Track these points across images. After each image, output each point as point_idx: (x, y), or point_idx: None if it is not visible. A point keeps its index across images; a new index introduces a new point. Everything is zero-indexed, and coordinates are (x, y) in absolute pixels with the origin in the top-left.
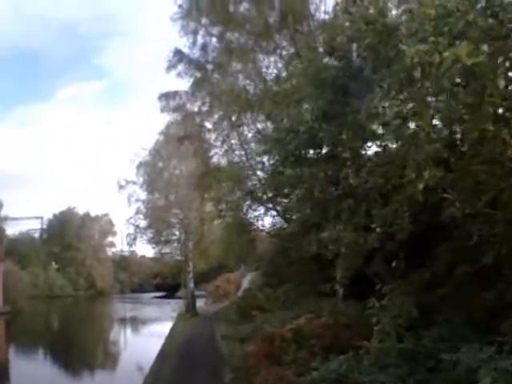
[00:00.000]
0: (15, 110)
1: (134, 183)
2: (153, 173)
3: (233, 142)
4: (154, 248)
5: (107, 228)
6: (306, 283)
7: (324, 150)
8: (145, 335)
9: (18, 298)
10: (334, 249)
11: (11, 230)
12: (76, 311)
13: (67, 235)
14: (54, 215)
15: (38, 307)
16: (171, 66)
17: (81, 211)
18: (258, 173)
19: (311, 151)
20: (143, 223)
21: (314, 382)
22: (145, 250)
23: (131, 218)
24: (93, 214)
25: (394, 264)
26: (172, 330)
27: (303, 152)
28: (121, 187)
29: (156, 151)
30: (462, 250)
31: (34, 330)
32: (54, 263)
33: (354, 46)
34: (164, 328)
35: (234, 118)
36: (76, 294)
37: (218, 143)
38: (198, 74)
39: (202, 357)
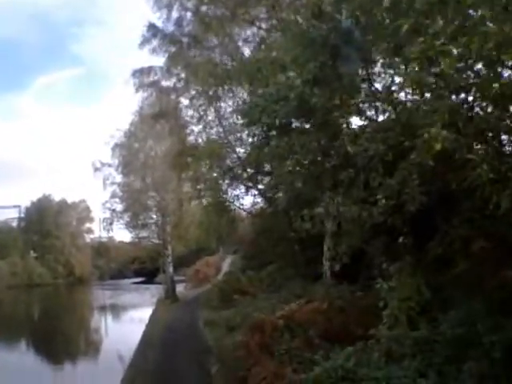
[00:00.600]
0: None
1: (110, 165)
2: (128, 154)
3: (210, 118)
4: (131, 232)
5: (84, 214)
6: (289, 265)
7: (315, 118)
8: (125, 322)
9: None
10: (332, 225)
11: None
12: (55, 299)
13: (45, 223)
14: (32, 203)
15: (17, 296)
16: (145, 41)
17: (57, 198)
18: (237, 149)
19: (301, 119)
20: (119, 207)
21: (317, 379)
22: (123, 235)
23: (107, 201)
24: (70, 200)
25: (400, 240)
26: (152, 316)
27: (292, 120)
28: (96, 169)
29: (131, 132)
30: (477, 223)
31: (12, 320)
32: (32, 252)
33: (344, 6)
34: (144, 314)
35: (211, 93)
36: (55, 281)
37: (195, 120)
38: (173, 49)
39: (185, 346)
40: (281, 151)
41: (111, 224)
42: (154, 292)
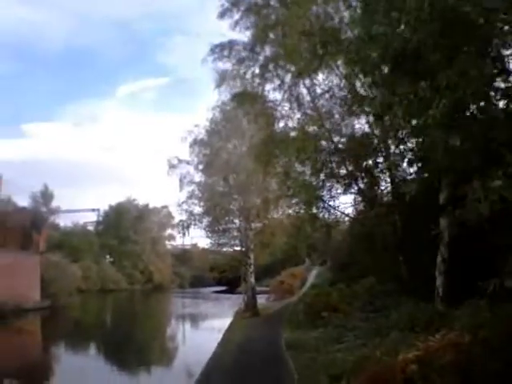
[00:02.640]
0: (76, 106)
1: (188, 163)
2: (209, 152)
3: (302, 98)
4: (209, 238)
5: (166, 220)
6: (389, 279)
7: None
8: (195, 336)
9: (62, 292)
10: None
11: (65, 223)
12: (124, 307)
13: (123, 227)
14: (111, 207)
15: (86, 302)
16: (224, 12)
17: (140, 203)
18: (335, 138)
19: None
20: (197, 209)
21: None
22: (206, 242)
23: (183, 202)
24: (151, 206)
25: None
26: (227, 332)
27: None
28: (172, 167)
29: (212, 128)
30: None
31: (72, 328)
32: (108, 256)
33: None
34: (219, 327)
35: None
36: (131, 288)
37: (284, 101)
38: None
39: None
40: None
41: (188, 227)
42: (234, 302)
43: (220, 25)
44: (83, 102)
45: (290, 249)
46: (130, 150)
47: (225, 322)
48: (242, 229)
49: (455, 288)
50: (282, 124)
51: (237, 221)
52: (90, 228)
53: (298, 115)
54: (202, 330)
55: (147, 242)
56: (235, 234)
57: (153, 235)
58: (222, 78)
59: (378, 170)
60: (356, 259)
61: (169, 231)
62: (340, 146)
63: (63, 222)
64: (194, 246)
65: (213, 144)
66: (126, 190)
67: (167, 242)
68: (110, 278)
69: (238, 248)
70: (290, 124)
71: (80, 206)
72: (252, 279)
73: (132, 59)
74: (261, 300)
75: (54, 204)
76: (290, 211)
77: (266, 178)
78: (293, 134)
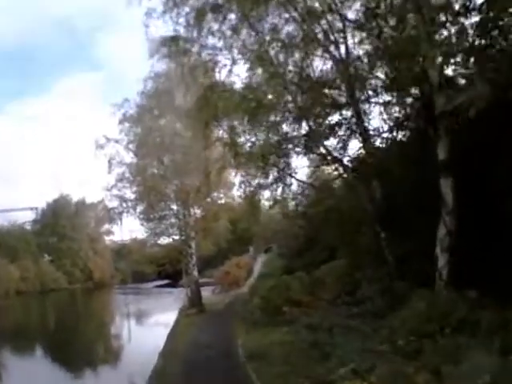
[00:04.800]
0: (12, 103)
1: (117, 142)
2: (141, 130)
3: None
4: (143, 225)
5: (103, 215)
6: (367, 262)
7: None
8: (136, 342)
9: None
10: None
11: (2, 222)
12: (64, 307)
13: (60, 225)
14: (48, 204)
15: (25, 303)
16: None
17: (75, 199)
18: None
19: None
20: (130, 194)
21: None
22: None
23: (113, 186)
24: (88, 200)
25: None
26: (169, 339)
27: None
28: (99, 147)
29: (144, 104)
30: None
31: (12, 331)
32: (47, 255)
33: None
34: (160, 331)
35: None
36: (72, 287)
37: (226, 45)
38: None
39: None
40: None
41: (120, 215)
42: (177, 297)
43: None
44: (20, 99)
45: (235, 236)
46: (68, 145)
47: (167, 322)
48: (180, 215)
49: (464, 268)
50: (223, 75)
51: (174, 206)
52: (28, 227)
53: (243, 64)
54: (142, 337)
55: (85, 238)
56: (173, 221)
57: (90, 231)
58: (156, 46)
59: (346, 126)
60: (317, 241)
61: (106, 226)
62: (298, 99)
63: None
64: (134, 239)
65: (144, 120)
66: (64, 187)
67: (106, 238)
68: (49, 278)
69: (177, 237)
70: (234, 76)
71: (18, 205)
72: (195, 271)
73: (69, 55)
74: (205, 293)
75: None
76: (236, 186)
77: (206, 147)
78: (237, 86)
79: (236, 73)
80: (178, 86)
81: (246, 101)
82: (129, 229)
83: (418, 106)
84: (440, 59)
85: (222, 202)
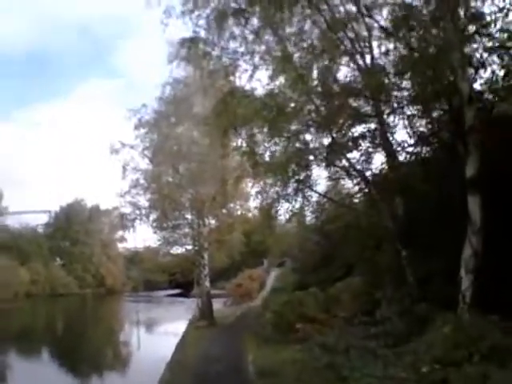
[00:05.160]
0: (30, 108)
1: (132, 147)
2: (157, 137)
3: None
4: (156, 234)
5: (118, 222)
6: (387, 280)
7: None
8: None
9: (6, 296)
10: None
11: (14, 224)
12: (71, 312)
13: (74, 229)
14: (61, 208)
15: (32, 307)
16: None
17: (89, 204)
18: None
19: None
20: (143, 202)
21: None
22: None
23: (126, 192)
24: (102, 207)
25: None
26: (177, 352)
27: None
28: (114, 152)
29: (161, 109)
30: None
31: (20, 334)
32: (58, 259)
33: None
34: (168, 342)
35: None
36: (82, 292)
37: (246, 51)
38: None
39: None
40: None
41: (133, 222)
42: (188, 307)
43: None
44: (39, 104)
45: (248, 248)
46: (84, 150)
47: (177, 332)
48: (194, 225)
49: (487, 291)
50: (243, 81)
51: (189, 216)
52: (40, 230)
53: (265, 70)
54: (151, 346)
55: (98, 244)
56: (186, 230)
57: (104, 237)
58: (176, 51)
59: (369, 139)
60: (333, 257)
61: (120, 233)
62: (321, 108)
63: (12, 223)
64: (147, 248)
65: (161, 127)
66: (79, 192)
67: (119, 245)
68: (59, 282)
69: (190, 247)
70: (255, 82)
71: (31, 207)
72: (207, 282)
73: (88, 62)
74: (217, 305)
75: (3, 205)
76: (253, 197)
77: (223, 156)
78: (258, 92)
79: (257, 78)
80: (197, 92)
81: (267, 108)
82: (142, 237)
83: (446, 120)
84: (472, 71)
85: (238, 213)
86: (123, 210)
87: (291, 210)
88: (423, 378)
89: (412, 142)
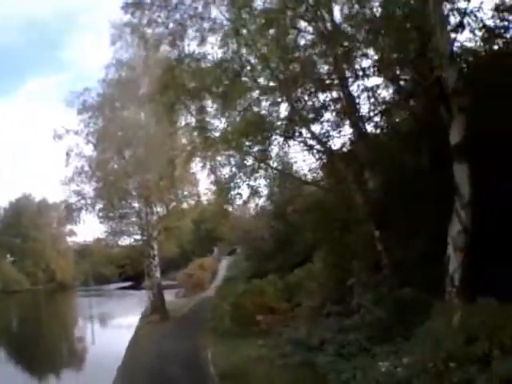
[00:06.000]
0: None
1: (76, 133)
2: (102, 121)
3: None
4: (102, 224)
5: (69, 218)
6: (362, 264)
7: None
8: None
9: None
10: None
11: None
12: (23, 310)
13: (23, 225)
14: (10, 203)
15: None
16: None
17: (37, 198)
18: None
19: None
20: (89, 190)
21: None
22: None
23: (70, 179)
24: (50, 200)
25: None
26: (129, 348)
27: None
28: (57, 137)
29: (105, 92)
30: None
31: None
32: (9, 256)
33: None
34: (121, 336)
35: None
36: (34, 288)
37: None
38: None
39: None
40: None
41: (79, 211)
42: (140, 299)
43: None
44: None
45: (198, 237)
46: (32, 144)
47: (130, 327)
48: (142, 213)
49: (480, 272)
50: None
51: (136, 204)
52: None
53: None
54: (104, 343)
55: (48, 238)
56: (134, 219)
57: (53, 231)
58: (119, 32)
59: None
60: (290, 242)
61: (69, 226)
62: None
63: None
64: (96, 239)
65: (105, 111)
66: (26, 187)
67: (68, 238)
68: (11, 279)
69: (138, 237)
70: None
71: None
72: (157, 273)
73: (36, 58)
74: (169, 296)
75: None
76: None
77: (170, 135)
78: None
79: (209, 42)
80: (142, 75)
81: (221, 74)
82: (92, 230)
83: (426, 84)
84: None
85: (187, 199)
86: (68, 199)
87: (250, 189)
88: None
89: (380, 109)
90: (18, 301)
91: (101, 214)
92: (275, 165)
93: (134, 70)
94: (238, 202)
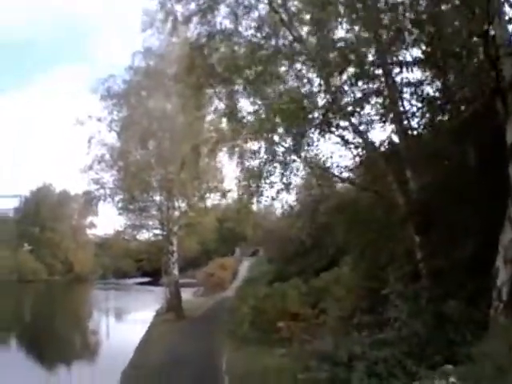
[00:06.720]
0: None
1: (99, 120)
2: (127, 110)
3: None
4: (121, 215)
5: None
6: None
7: None
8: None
9: None
10: None
11: None
12: (38, 300)
13: (42, 215)
14: (31, 193)
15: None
16: None
17: (58, 189)
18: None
19: None
20: (108, 179)
21: None
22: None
23: (90, 167)
24: (72, 192)
25: None
26: (141, 349)
27: None
28: (79, 123)
29: (131, 80)
30: None
31: None
32: (27, 245)
33: None
34: (135, 331)
35: None
36: (51, 278)
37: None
38: None
39: None
40: None
41: (97, 200)
42: (157, 296)
43: None
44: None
45: (220, 235)
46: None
47: (145, 322)
48: (163, 207)
49: None
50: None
51: (157, 197)
52: (11, 215)
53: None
54: (118, 338)
55: (67, 230)
56: (154, 213)
57: (73, 223)
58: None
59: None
60: (317, 245)
61: (90, 219)
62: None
63: None
64: (117, 233)
65: (130, 99)
66: (47, 177)
67: (88, 231)
68: (28, 268)
69: (158, 231)
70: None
71: (2, 192)
72: (175, 271)
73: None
74: (186, 295)
75: None
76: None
77: (197, 119)
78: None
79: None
80: (172, 64)
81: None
82: (113, 222)
83: (480, 76)
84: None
85: (211, 195)
86: (86, 187)
87: (281, 181)
88: None
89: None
90: (34, 290)
91: (120, 205)
92: (308, 158)
93: (162, 59)
94: (267, 195)
